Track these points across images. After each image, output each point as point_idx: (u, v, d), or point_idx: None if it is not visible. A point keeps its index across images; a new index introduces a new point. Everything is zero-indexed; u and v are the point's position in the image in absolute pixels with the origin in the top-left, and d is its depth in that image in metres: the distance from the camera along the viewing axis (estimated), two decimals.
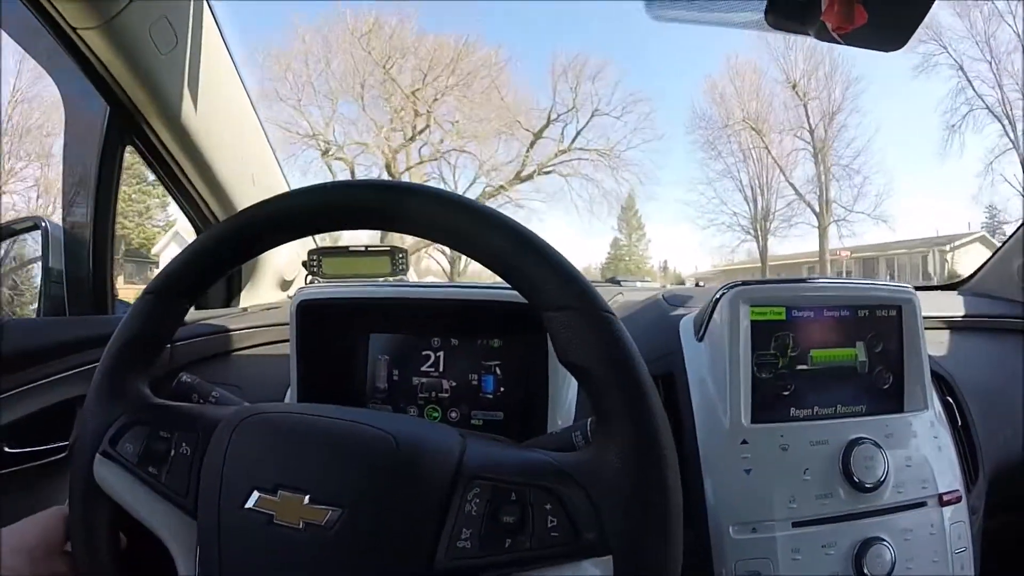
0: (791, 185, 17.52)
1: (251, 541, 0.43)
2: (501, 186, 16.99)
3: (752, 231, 17.99)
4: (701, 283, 1.45)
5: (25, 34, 0.94)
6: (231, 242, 0.52)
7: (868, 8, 0.68)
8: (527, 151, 17.10)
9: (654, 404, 0.42)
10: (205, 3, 0.97)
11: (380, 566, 0.41)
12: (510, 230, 0.45)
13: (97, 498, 0.49)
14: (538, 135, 17.12)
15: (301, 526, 0.41)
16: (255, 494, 0.43)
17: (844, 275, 15.86)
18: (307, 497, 0.42)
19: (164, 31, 0.91)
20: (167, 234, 13.23)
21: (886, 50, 0.79)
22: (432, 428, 0.49)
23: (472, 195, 16.11)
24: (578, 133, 17.55)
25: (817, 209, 16.84)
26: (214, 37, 1.01)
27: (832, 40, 0.74)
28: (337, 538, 0.41)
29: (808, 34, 0.78)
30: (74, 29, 0.87)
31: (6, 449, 0.79)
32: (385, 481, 0.42)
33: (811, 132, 16.84)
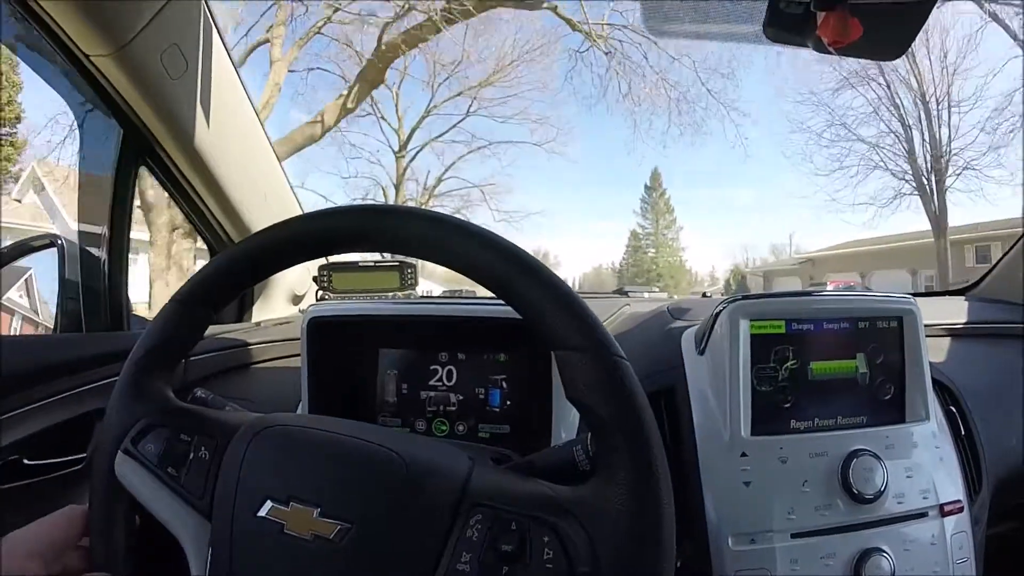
0: None
1: (262, 548, 0.45)
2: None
3: (914, 178, 10.75)
4: (708, 294, 1.46)
5: (40, 60, 0.96)
6: (255, 258, 0.54)
7: (863, 21, 0.69)
8: None
9: (654, 449, 0.43)
10: (214, 30, 0.99)
11: None
12: (528, 267, 0.47)
13: (117, 493, 0.51)
14: None
15: (310, 538, 0.43)
16: (268, 503, 0.45)
17: None
18: (317, 510, 0.44)
19: (174, 57, 0.94)
20: None
21: (884, 59, 0.80)
22: (441, 450, 0.50)
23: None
24: None
25: None
26: (223, 62, 1.03)
27: (830, 51, 0.75)
28: (343, 552, 0.42)
29: (807, 46, 0.80)
30: (87, 56, 0.89)
31: (24, 461, 0.80)
32: (392, 501, 0.44)
33: None
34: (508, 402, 0.84)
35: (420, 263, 1.08)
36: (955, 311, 1.20)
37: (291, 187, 1.30)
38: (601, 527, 0.41)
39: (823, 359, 0.79)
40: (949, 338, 1.13)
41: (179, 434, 0.51)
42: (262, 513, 0.45)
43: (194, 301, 0.55)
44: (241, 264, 0.55)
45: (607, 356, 0.44)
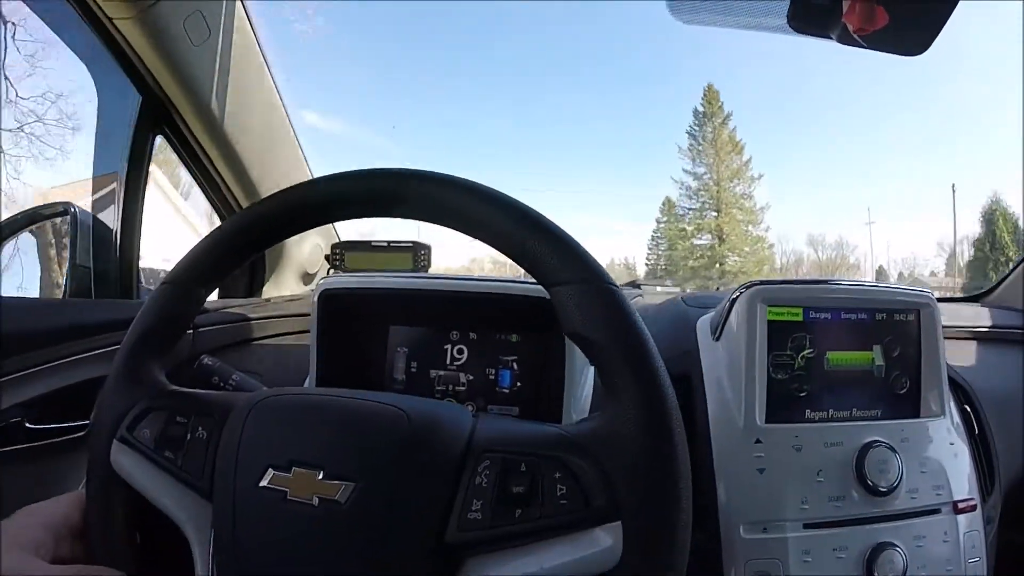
0: None
1: (266, 519, 0.43)
2: None
3: None
4: (719, 287, 1.46)
5: (61, 23, 0.96)
6: (247, 232, 0.52)
7: (889, 10, 0.68)
8: None
9: (658, 368, 0.42)
10: None
11: (393, 538, 0.41)
12: (515, 210, 0.46)
13: (114, 484, 0.49)
14: None
15: (315, 502, 0.41)
16: (269, 472, 0.43)
17: None
18: (321, 473, 0.42)
19: (197, 23, 0.93)
20: None
21: (908, 54, 0.79)
22: (444, 405, 0.49)
23: None
24: None
25: None
26: (246, 31, 1.03)
27: (855, 44, 0.75)
28: (350, 512, 0.41)
29: (831, 38, 0.79)
30: (110, 19, 0.89)
31: (27, 424, 0.80)
32: (397, 455, 0.42)
33: None
34: (518, 384, 0.83)
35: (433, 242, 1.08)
36: (970, 316, 1.19)
37: (305, 159, 1.30)
38: (612, 454, 0.40)
39: (840, 349, 0.78)
40: (963, 341, 1.12)
41: (175, 416, 0.49)
42: (264, 483, 0.43)
43: (185, 282, 0.53)
44: (232, 240, 0.53)
45: (599, 284, 0.44)
